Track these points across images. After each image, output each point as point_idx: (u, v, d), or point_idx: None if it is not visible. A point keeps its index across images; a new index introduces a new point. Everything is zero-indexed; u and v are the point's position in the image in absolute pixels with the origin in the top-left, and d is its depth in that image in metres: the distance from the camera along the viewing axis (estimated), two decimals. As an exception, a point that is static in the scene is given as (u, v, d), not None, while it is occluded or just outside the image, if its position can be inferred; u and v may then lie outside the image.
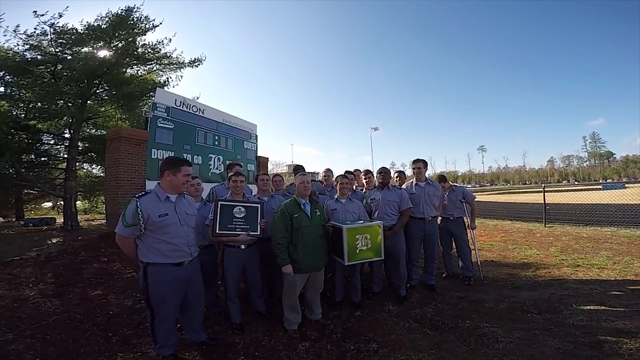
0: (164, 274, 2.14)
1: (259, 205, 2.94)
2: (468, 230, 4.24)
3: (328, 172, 4.28)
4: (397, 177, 4.27)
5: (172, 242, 2.17)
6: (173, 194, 2.26)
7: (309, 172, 4.14)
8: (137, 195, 2.14)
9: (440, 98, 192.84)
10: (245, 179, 3.15)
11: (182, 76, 11.66)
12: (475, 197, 4.38)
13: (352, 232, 2.87)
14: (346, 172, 4.09)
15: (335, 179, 3.56)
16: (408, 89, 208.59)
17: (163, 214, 2.14)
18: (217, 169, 7.96)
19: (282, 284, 2.87)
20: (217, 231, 2.70)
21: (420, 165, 3.92)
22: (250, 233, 2.81)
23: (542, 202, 8.67)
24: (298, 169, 4.26)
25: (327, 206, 3.31)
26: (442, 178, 4.42)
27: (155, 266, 2.14)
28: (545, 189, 9.24)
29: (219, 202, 2.78)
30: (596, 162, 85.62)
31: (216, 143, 8.14)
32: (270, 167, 12.40)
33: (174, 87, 11.48)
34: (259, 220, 2.89)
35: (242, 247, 2.86)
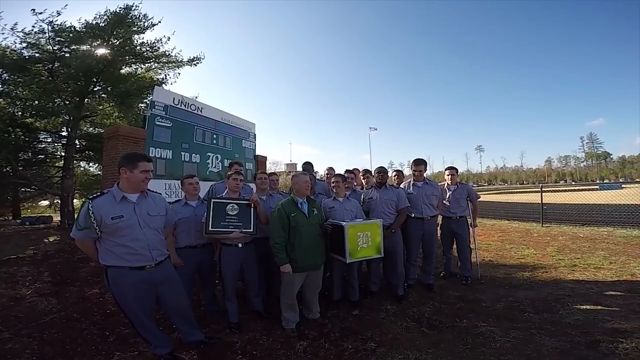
0: (123, 276, 2.02)
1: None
2: (470, 230, 4.23)
3: (331, 170, 4.30)
4: (395, 176, 4.30)
5: (129, 245, 2.02)
6: (132, 194, 2.10)
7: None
8: (90, 196, 2.02)
9: (440, 97, 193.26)
10: (244, 178, 3.15)
11: (179, 74, 11.65)
12: (480, 197, 4.37)
13: (353, 229, 2.86)
14: (346, 171, 4.07)
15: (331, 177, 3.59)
16: (407, 88, 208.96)
17: (117, 216, 1.98)
18: (215, 167, 7.92)
19: (280, 283, 2.87)
20: (210, 229, 2.69)
21: (421, 168, 3.94)
22: (243, 230, 2.79)
23: (540, 202, 8.70)
24: (307, 166, 4.27)
25: (325, 204, 3.30)
26: (456, 170, 4.43)
27: (114, 269, 2.02)
28: (543, 189, 9.26)
29: (212, 200, 2.77)
30: (593, 162, 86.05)
31: (214, 142, 8.10)
32: (268, 165, 12.39)
33: (171, 84, 11.49)
34: (252, 218, 2.87)
35: (240, 245, 2.85)
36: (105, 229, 1.97)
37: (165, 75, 11.48)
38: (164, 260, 2.23)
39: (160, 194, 2.44)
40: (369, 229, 2.96)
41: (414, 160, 4.00)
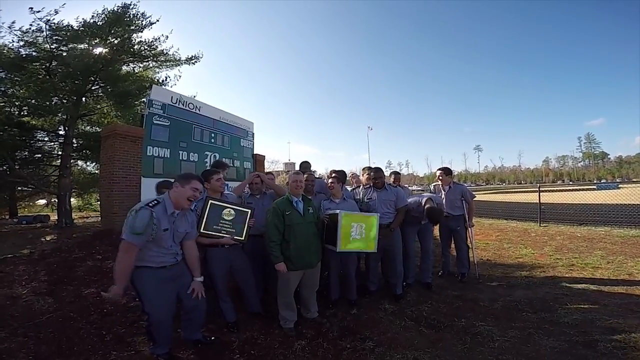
0: (148, 275, 2.12)
1: (249, 211, 2.89)
2: (468, 229, 4.25)
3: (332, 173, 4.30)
4: (393, 179, 4.38)
5: (159, 252, 2.16)
6: (176, 210, 2.24)
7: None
8: (150, 204, 2.10)
9: (439, 97, 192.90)
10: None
11: (180, 76, 11.64)
12: (475, 196, 4.37)
13: (348, 218, 2.87)
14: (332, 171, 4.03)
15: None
16: (407, 88, 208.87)
17: (166, 228, 2.13)
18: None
19: (277, 282, 2.86)
20: (202, 230, 2.63)
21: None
22: (235, 237, 2.76)
23: (537, 201, 8.72)
24: (304, 165, 4.26)
25: (323, 206, 3.31)
26: (447, 171, 4.39)
27: (141, 269, 2.11)
28: (540, 189, 9.29)
29: (210, 201, 2.72)
30: (590, 162, 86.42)
31: (212, 141, 8.09)
32: (267, 165, 12.37)
33: (171, 86, 11.45)
34: (246, 226, 2.83)
35: (226, 246, 2.79)
36: (154, 237, 2.08)
37: (166, 76, 11.47)
38: (183, 260, 2.35)
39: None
40: (364, 221, 2.97)
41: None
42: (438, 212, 3.64)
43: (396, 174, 4.51)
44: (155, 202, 2.14)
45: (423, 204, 3.70)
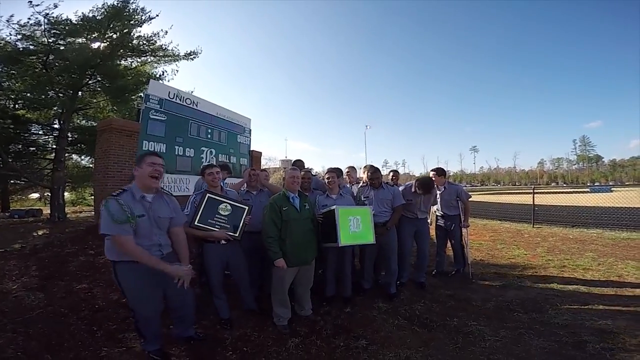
0: (133, 270, 2.02)
1: (247, 208, 2.86)
2: (463, 229, 4.28)
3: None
4: (392, 177, 4.41)
5: (141, 243, 2.03)
6: (148, 194, 2.13)
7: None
8: (114, 194, 2.01)
9: (438, 97, 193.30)
10: (219, 171, 2.95)
11: (177, 70, 11.55)
12: (471, 197, 4.40)
13: (344, 212, 2.90)
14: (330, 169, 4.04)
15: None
16: (405, 87, 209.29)
17: (140, 214, 2.03)
18: (209, 162, 7.87)
19: (272, 279, 2.86)
20: (196, 223, 2.60)
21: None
22: (229, 233, 2.73)
23: (531, 203, 8.79)
24: (297, 163, 4.26)
25: (319, 202, 3.31)
26: (440, 171, 4.37)
27: (123, 264, 2.02)
28: (535, 191, 9.36)
29: (207, 195, 2.70)
30: (585, 165, 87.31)
31: (209, 136, 8.06)
32: (263, 161, 12.34)
33: (169, 81, 11.37)
34: (241, 223, 2.81)
35: (223, 242, 2.76)
36: (133, 224, 1.98)
37: (164, 71, 11.39)
38: (169, 253, 2.25)
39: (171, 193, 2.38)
40: (359, 213, 3.01)
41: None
42: (428, 180, 3.75)
43: (395, 172, 4.60)
44: (120, 190, 2.05)
45: (414, 183, 3.81)
